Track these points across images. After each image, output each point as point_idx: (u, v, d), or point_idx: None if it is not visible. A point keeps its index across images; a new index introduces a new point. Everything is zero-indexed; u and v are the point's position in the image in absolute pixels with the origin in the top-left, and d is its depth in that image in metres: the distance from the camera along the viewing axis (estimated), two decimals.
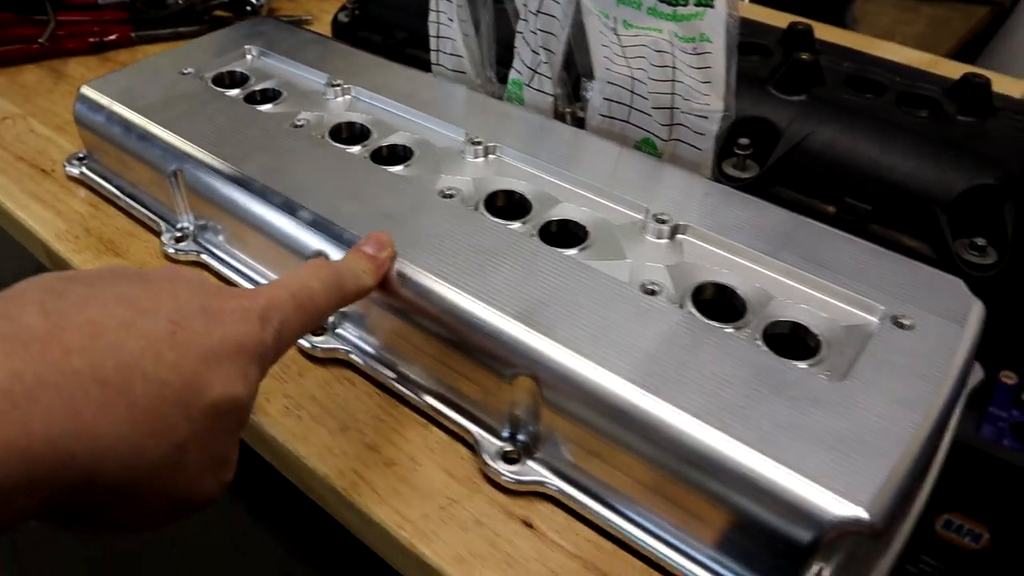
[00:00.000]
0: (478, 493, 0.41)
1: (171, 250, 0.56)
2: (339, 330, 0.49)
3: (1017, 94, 0.73)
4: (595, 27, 0.52)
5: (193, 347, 0.30)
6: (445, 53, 0.63)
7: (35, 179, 0.64)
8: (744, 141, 0.57)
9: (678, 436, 0.35)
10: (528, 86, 0.59)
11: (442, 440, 0.44)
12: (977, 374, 0.46)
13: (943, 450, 0.42)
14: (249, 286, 0.52)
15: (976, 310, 0.41)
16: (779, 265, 0.43)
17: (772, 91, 0.59)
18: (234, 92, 0.61)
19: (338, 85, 0.60)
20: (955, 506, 0.98)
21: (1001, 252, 0.51)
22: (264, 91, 0.61)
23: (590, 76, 0.56)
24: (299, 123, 0.56)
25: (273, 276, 0.52)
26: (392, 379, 0.46)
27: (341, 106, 0.59)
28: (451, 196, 0.48)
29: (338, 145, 0.54)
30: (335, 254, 0.46)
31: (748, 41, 0.65)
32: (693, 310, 0.41)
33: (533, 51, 0.57)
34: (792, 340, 0.41)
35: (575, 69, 0.57)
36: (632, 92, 0.54)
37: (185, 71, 0.62)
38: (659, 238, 0.46)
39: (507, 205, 0.49)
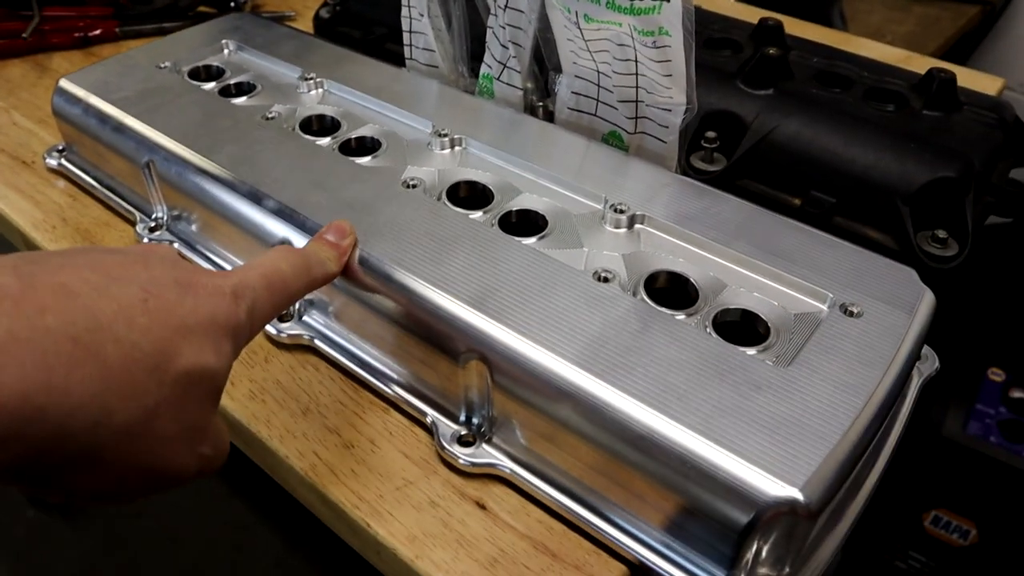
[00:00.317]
0: (434, 475, 0.42)
1: (145, 239, 0.57)
2: (305, 317, 0.50)
3: (994, 91, 0.74)
4: (559, 21, 0.52)
5: (165, 315, 0.30)
6: (418, 48, 0.63)
7: (15, 170, 0.65)
8: (711, 134, 0.57)
9: (620, 418, 0.36)
10: (498, 80, 0.60)
11: (401, 424, 0.45)
12: (932, 363, 0.46)
13: (895, 435, 0.43)
14: None
15: (926, 299, 0.42)
16: (734, 254, 0.44)
17: (740, 85, 0.59)
18: (209, 85, 0.62)
19: (311, 79, 0.60)
20: (943, 503, 0.99)
21: (962, 244, 0.52)
22: (239, 84, 0.62)
23: (559, 70, 0.57)
24: (271, 116, 0.57)
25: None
26: (354, 365, 0.47)
27: (313, 99, 0.60)
28: (414, 186, 0.49)
29: (308, 137, 0.55)
30: (299, 242, 0.47)
31: (720, 36, 0.66)
32: (645, 297, 0.42)
33: (502, 45, 0.58)
34: (742, 327, 0.41)
35: (546, 63, 0.58)
36: (598, 86, 0.55)
37: (162, 65, 0.63)
38: (617, 228, 0.47)
39: (469, 195, 0.50)
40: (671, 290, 0.43)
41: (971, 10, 1.33)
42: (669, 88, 0.51)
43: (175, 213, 0.57)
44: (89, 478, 0.29)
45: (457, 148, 0.53)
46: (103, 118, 0.58)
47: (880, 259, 0.44)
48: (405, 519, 0.40)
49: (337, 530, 0.43)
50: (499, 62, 0.59)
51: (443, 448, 0.42)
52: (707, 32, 0.67)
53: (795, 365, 0.38)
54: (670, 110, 0.52)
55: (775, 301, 0.42)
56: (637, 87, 0.53)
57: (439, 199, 0.49)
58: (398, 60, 0.66)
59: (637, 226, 0.47)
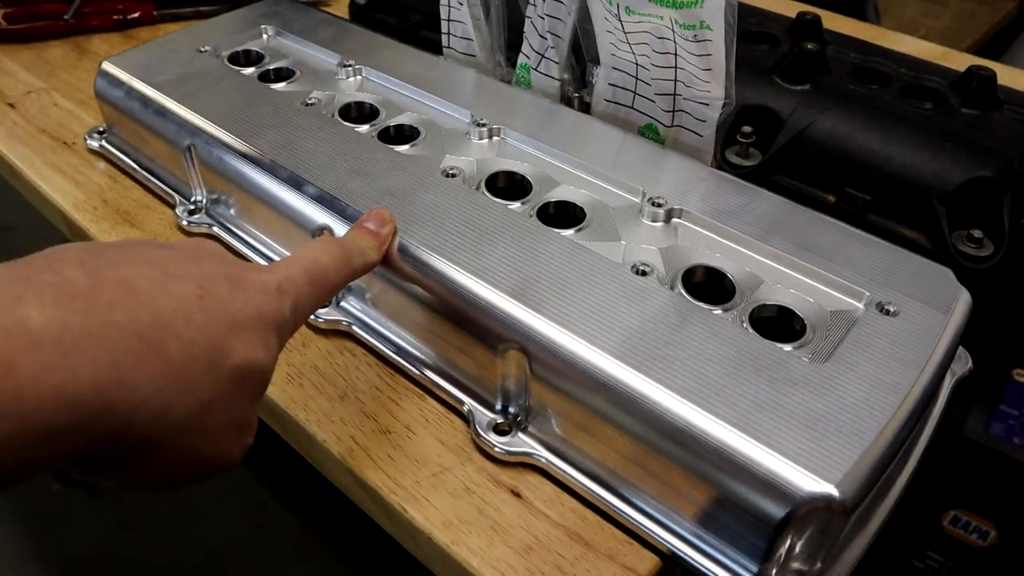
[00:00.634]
0: (469, 462, 0.43)
1: (184, 222, 0.57)
2: (343, 303, 0.50)
3: None
4: (600, 13, 0.52)
5: (219, 312, 0.31)
6: (456, 36, 0.64)
7: (57, 151, 0.66)
8: (747, 129, 0.57)
9: (659, 411, 0.36)
10: (535, 70, 0.60)
11: (437, 411, 0.45)
12: (965, 363, 0.47)
13: (926, 435, 0.43)
14: (259, 260, 0.54)
15: (963, 299, 0.42)
16: (770, 250, 0.44)
17: (777, 80, 0.59)
18: (249, 70, 0.62)
19: (350, 65, 0.61)
20: (963, 503, 0.98)
21: (998, 244, 0.51)
22: (278, 70, 0.62)
23: (596, 62, 0.57)
24: (310, 102, 0.57)
25: (281, 249, 0.54)
26: (391, 351, 0.47)
27: (352, 86, 0.60)
28: (454, 176, 0.50)
29: (347, 124, 0.55)
30: (339, 229, 0.47)
31: (757, 30, 0.66)
32: (682, 291, 0.42)
33: (541, 36, 0.58)
34: (778, 323, 0.42)
35: (584, 54, 0.58)
36: (636, 78, 0.55)
37: (202, 49, 0.64)
38: (654, 221, 0.47)
39: (508, 185, 0.50)
40: (708, 285, 0.44)
41: (1008, 5, 1.31)
42: (708, 82, 0.51)
43: (214, 197, 0.57)
44: (145, 467, 0.30)
45: (495, 138, 0.54)
46: (145, 101, 0.59)
47: (916, 258, 0.44)
48: (441, 505, 0.41)
49: (373, 514, 0.44)
50: (537, 52, 0.59)
51: (479, 436, 0.43)
52: (744, 26, 0.67)
53: (831, 362, 0.38)
54: (708, 104, 0.53)
55: (811, 298, 0.42)
56: (676, 80, 0.53)
57: (478, 189, 0.49)
58: (434, 48, 0.66)
59: (674, 220, 0.47)
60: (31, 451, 0.25)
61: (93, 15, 0.83)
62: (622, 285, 0.41)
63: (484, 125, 0.54)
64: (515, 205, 0.48)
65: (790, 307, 0.42)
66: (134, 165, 0.63)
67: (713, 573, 0.37)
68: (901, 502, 0.41)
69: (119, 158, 0.64)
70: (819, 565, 0.36)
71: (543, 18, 0.57)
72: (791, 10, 0.68)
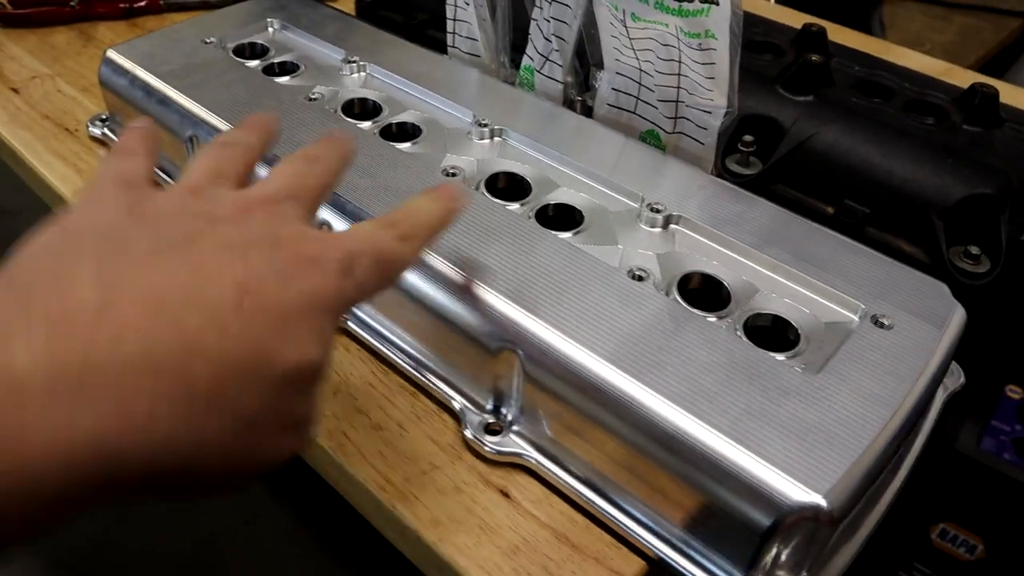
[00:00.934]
0: (459, 461, 0.43)
1: None
2: None
3: None
4: (605, 18, 0.53)
5: (263, 313, 0.26)
6: (461, 36, 0.64)
7: (59, 137, 0.66)
8: (748, 138, 0.58)
9: (649, 416, 0.36)
10: (539, 72, 0.60)
11: (429, 409, 0.45)
12: (957, 378, 0.47)
13: (917, 448, 0.43)
14: None
15: (957, 315, 0.42)
16: (767, 260, 0.44)
17: (780, 90, 0.59)
18: (253, 63, 0.62)
19: (354, 62, 0.61)
20: (952, 517, 0.99)
21: (994, 261, 0.52)
22: (282, 63, 0.62)
23: (600, 66, 0.57)
24: (313, 96, 0.57)
25: None
26: (385, 348, 0.47)
27: (356, 82, 0.60)
28: (454, 175, 0.50)
29: (349, 120, 0.56)
30: (338, 224, 0.47)
31: (762, 40, 0.66)
32: (678, 298, 0.42)
33: (546, 38, 0.58)
34: (772, 332, 0.42)
35: (588, 58, 0.58)
36: (639, 84, 0.55)
37: (207, 40, 0.64)
38: (652, 227, 0.47)
39: (507, 186, 0.50)
40: (703, 292, 0.44)
41: (1013, 23, 1.32)
42: (711, 90, 0.52)
43: None
44: (191, 488, 0.27)
45: (496, 139, 0.54)
46: (148, 90, 0.59)
47: (913, 272, 0.44)
48: (430, 503, 0.41)
49: (361, 509, 0.44)
50: (541, 55, 0.60)
51: (470, 435, 0.43)
52: (748, 35, 0.67)
53: (824, 373, 0.38)
54: (710, 112, 0.53)
55: (806, 308, 0.43)
56: (679, 87, 0.53)
57: (477, 189, 0.49)
58: (439, 47, 0.66)
59: (672, 226, 0.47)
60: (39, 511, 0.22)
61: (99, 2, 0.83)
62: (618, 289, 0.41)
63: (486, 125, 0.54)
64: (514, 206, 0.48)
65: (785, 317, 0.42)
66: None
67: None
68: (890, 514, 0.41)
69: None
70: (805, 574, 0.37)
71: (548, 21, 0.57)
72: (797, 21, 0.68)
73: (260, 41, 0.65)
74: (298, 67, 0.62)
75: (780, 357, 0.40)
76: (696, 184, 0.50)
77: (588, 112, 0.59)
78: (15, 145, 0.65)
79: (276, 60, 0.63)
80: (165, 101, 0.58)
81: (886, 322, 0.41)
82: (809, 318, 0.42)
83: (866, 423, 0.36)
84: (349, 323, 0.49)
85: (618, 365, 0.38)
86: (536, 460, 0.42)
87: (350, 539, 1.09)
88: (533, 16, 0.58)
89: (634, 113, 0.57)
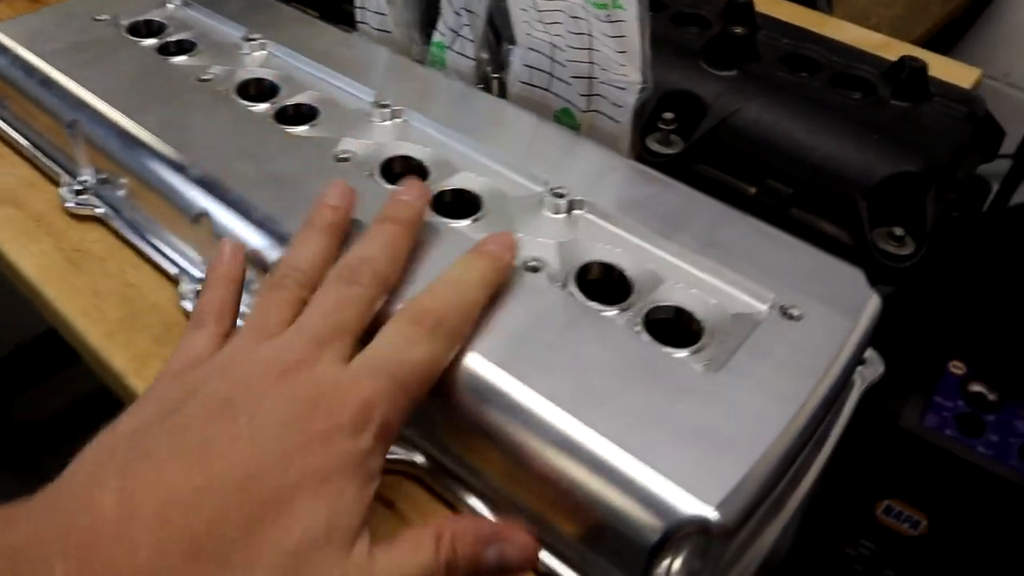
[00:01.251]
0: None
1: (70, 204, 0.54)
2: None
3: (969, 83, 0.71)
4: None
5: (264, 506, 0.28)
6: (369, 11, 0.60)
7: None
8: (668, 115, 0.55)
9: (532, 420, 0.33)
10: (450, 49, 0.57)
11: None
12: (876, 367, 0.44)
13: (830, 445, 0.41)
14: (151, 252, 0.50)
15: (871, 304, 0.40)
16: (675, 247, 0.42)
17: (703, 65, 0.57)
18: (149, 42, 0.58)
19: (254, 39, 0.57)
20: (896, 493, 0.98)
21: (919, 243, 0.49)
22: (179, 42, 0.58)
23: (513, 41, 0.54)
24: (206, 77, 0.54)
25: (172, 238, 0.50)
26: None
27: (256, 61, 0.57)
28: (346, 160, 0.46)
29: (243, 101, 0.52)
30: (221, 214, 0.44)
31: (689, 11, 0.63)
32: (575, 290, 0.39)
33: (455, 12, 0.55)
34: (675, 326, 0.39)
35: (501, 34, 0.55)
36: (552, 59, 0.52)
37: (99, 17, 0.60)
38: (556, 213, 0.44)
39: (404, 171, 0.47)
40: (604, 283, 0.41)
41: None
42: (624, 65, 0.49)
43: (103, 177, 0.54)
44: None
45: (398, 120, 0.51)
46: (30, 71, 0.55)
47: (828, 258, 0.42)
48: None
49: None
50: (452, 30, 0.56)
51: None
52: (676, 6, 0.64)
53: (726, 370, 0.36)
54: (624, 88, 0.50)
55: (713, 299, 0.40)
56: (591, 63, 0.50)
57: (371, 175, 0.46)
58: (354, 23, 0.62)
59: (576, 212, 0.44)
60: None
61: None
62: (509, 282, 0.38)
63: (387, 107, 0.50)
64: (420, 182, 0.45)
65: (688, 309, 0.39)
66: (22, 140, 0.59)
67: None
68: (800, 519, 0.39)
69: (6, 132, 0.60)
70: None
71: None
72: None
73: (157, 18, 0.61)
74: (195, 45, 0.58)
75: (680, 354, 0.37)
76: (606, 166, 0.47)
77: (505, 90, 0.56)
78: None
79: (172, 38, 0.59)
80: (46, 83, 0.54)
81: (795, 313, 0.38)
82: (715, 309, 0.39)
83: (765, 425, 0.33)
84: None
85: (501, 365, 0.35)
86: (421, 463, 0.39)
87: None
88: None
89: (548, 91, 0.54)
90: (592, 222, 0.44)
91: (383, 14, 0.59)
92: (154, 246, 0.50)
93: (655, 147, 0.55)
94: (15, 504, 0.28)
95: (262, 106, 0.52)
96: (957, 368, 1.03)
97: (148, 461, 0.29)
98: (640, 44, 0.47)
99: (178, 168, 0.46)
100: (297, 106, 0.52)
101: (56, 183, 0.56)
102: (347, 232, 0.40)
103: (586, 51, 0.50)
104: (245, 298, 0.39)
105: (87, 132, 0.51)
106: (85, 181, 0.54)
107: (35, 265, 0.50)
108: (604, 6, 0.46)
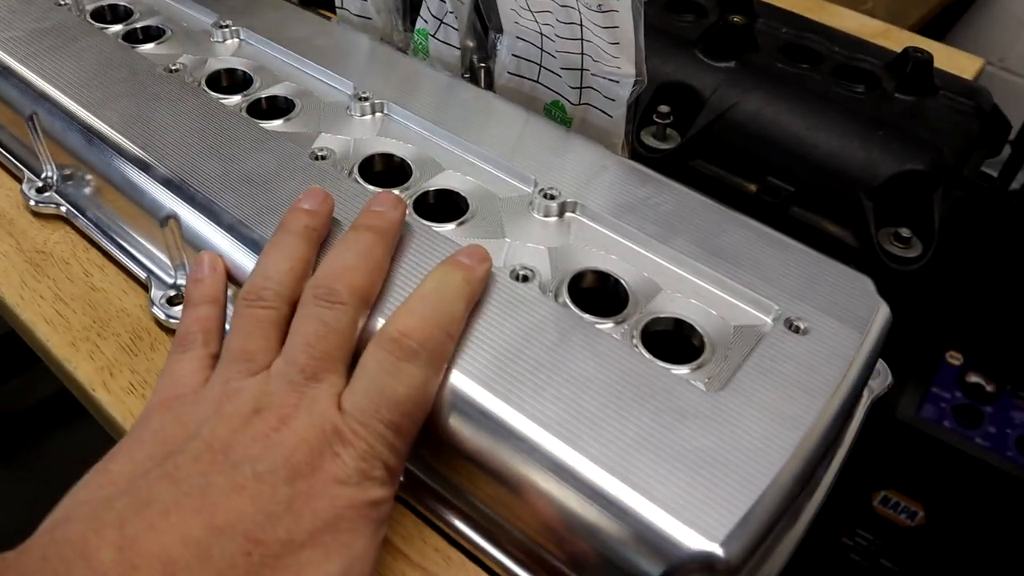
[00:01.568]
0: None
1: (32, 202, 0.51)
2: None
3: (972, 72, 0.69)
4: None
5: (273, 559, 0.27)
6: None
7: None
8: (664, 109, 0.52)
9: (521, 447, 0.31)
10: (434, 37, 0.54)
11: None
12: (885, 378, 0.42)
13: (838, 462, 0.39)
14: (118, 254, 0.47)
15: (880, 315, 0.37)
16: (673, 253, 0.39)
17: (699, 55, 0.54)
18: (115, 28, 0.55)
19: (226, 26, 0.54)
20: (893, 484, 0.97)
21: (926, 244, 0.47)
22: (146, 28, 0.55)
23: (500, 30, 0.51)
24: (175, 67, 0.51)
25: (139, 239, 0.47)
26: None
27: (227, 50, 0.54)
28: (323, 158, 0.44)
29: (214, 94, 0.49)
30: (188, 216, 0.41)
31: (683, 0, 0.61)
32: (567, 301, 0.37)
33: None
34: (674, 339, 0.37)
35: (488, 22, 0.52)
36: (541, 49, 0.49)
37: (62, 2, 0.56)
38: (547, 216, 0.42)
39: (385, 170, 0.44)
40: (598, 292, 0.39)
41: None
42: (616, 57, 0.46)
43: (65, 173, 0.51)
44: None
45: (378, 114, 0.48)
46: None
47: (834, 265, 0.40)
48: None
49: None
50: (435, 17, 0.53)
51: None
52: None
53: (728, 390, 0.33)
54: (617, 81, 0.47)
55: (714, 310, 0.38)
56: (582, 54, 0.47)
57: (350, 174, 0.43)
58: (333, 7, 0.59)
59: (568, 215, 0.42)
60: None
61: None
62: (497, 294, 0.36)
63: (366, 99, 0.48)
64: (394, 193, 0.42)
65: (688, 320, 0.37)
66: None
67: None
68: (808, 532, 0.37)
69: None
70: None
71: None
72: None
73: (123, 3, 0.58)
74: (164, 32, 0.55)
75: (680, 371, 0.35)
76: (599, 165, 0.44)
77: (492, 80, 0.53)
78: None
79: (139, 24, 0.56)
80: (3, 74, 0.51)
81: (801, 326, 0.36)
82: (716, 321, 0.37)
83: (772, 450, 0.31)
84: None
85: (487, 386, 0.32)
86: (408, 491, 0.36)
87: None
88: None
89: (537, 82, 0.51)
90: (585, 225, 0.41)
91: (364, 0, 0.56)
92: (122, 247, 0.47)
93: (650, 142, 0.53)
94: (4, 556, 0.27)
95: (234, 98, 0.49)
96: (955, 358, 1.01)
97: (148, 510, 0.27)
98: (634, 35, 0.44)
99: (143, 166, 0.43)
100: (272, 99, 0.49)
101: (16, 179, 0.53)
102: (324, 237, 0.38)
103: (577, 42, 0.47)
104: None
105: (47, 126, 0.48)
106: (47, 178, 0.51)
107: None
108: None
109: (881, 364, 0.42)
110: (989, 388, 0.92)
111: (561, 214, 0.42)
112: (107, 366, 0.42)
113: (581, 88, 0.49)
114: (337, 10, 0.59)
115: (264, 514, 0.28)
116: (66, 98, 0.48)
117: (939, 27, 1.17)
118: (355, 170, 0.43)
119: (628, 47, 0.45)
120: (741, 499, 0.29)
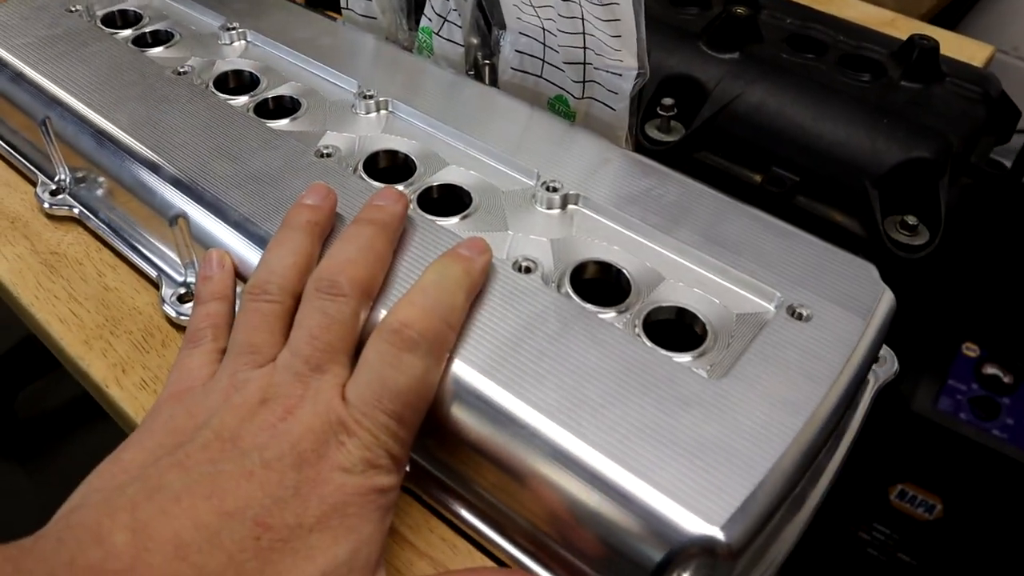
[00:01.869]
0: None
1: (46, 204, 0.51)
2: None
3: (981, 59, 0.68)
4: None
5: (281, 543, 0.28)
6: None
7: None
8: (668, 101, 0.52)
9: (525, 434, 0.31)
10: (438, 35, 0.54)
11: None
12: (891, 365, 0.42)
13: (843, 450, 0.39)
14: (130, 253, 0.48)
15: (884, 301, 0.37)
16: (675, 243, 0.39)
17: (703, 47, 0.54)
18: (125, 33, 0.56)
19: (233, 28, 0.55)
20: (910, 477, 0.96)
21: (933, 232, 0.47)
22: (155, 33, 0.56)
23: (503, 26, 0.51)
24: (183, 70, 0.51)
25: (151, 239, 0.48)
26: None
27: (235, 52, 0.54)
28: (329, 155, 0.44)
29: (221, 95, 0.50)
30: (198, 215, 0.42)
31: None
32: (570, 291, 0.37)
33: None
34: (677, 328, 0.37)
35: (491, 19, 0.53)
36: (544, 44, 0.49)
37: (73, 8, 0.57)
38: (549, 208, 0.42)
39: (389, 166, 0.45)
40: (601, 282, 0.39)
41: None
42: (619, 50, 0.46)
43: (78, 176, 0.51)
44: None
45: (383, 112, 0.48)
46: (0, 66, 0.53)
47: (838, 252, 0.40)
48: None
49: None
50: (439, 15, 0.54)
51: None
52: None
53: (731, 377, 0.33)
54: (620, 75, 0.47)
55: (716, 299, 0.38)
56: (585, 48, 0.48)
57: (355, 171, 0.44)
58: (338, 8, 0.60)
59: (571, 207, 0.42)
60: None
61: None
62: (499, 285, 0.36)
63: (371, 97, 0.48)
64: (397, 188, 0.43)
65: (691, 309, 0.37)
66: None
67: None
68: (817, 515, 0.37)
69: None
70: None
71: None
72: None
73: (132, 8, 0.58)
74: (172, 36, 0.56)
75: (683, 358, 0.35)
76: (602, 158, 0.45)
77: (496, 77, 0.54)
78: None
79: (148, 29, 0.56)
80: (17, 78, 0.52)
81: (804, 313, 0.36)
82: (719, 309, 0.37)
83: (774, 436, 0.31)
84: None
85: (490, 375, 0.33)
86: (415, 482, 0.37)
87: None
88: None
89: (540, 77, 0.51)
90: (588, 217, 0.42)
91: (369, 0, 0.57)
92: (133, 247, 0.48)
93: (654, 135, 0.53)
94: (20, 542, 0.27)
95: (241, 99, 0.50)
96: (971, 350, 1.00)
97: (160, 496, 0.28)
98: (635, 28, 0.45)
99: (153, 167, 0.44)
100: (278, 99, 0.50)
101: (31, 182, 0.54)
102: (327, 232, 0.38)
103: (579, 36, 0.47)
104: None
105: (60, 130, 0.49)
106: (61, 180, 0.52)
107: (9, 269, 0.48)
108: None
109: (887, 351, 0.42)
110: (1006, 379, 0.91)
111: (564, 206, 0.42)
112: (120, 363, 0.43)
113: (584, 82, 0.49)
114: (342, 10, 0.59)
115: (272, 499, 0.28)
116: (78, 102, 0.48)
117: (952, 16, 1.16)
118: (360, 167, 0.44)
119: (630, 40, 0.45)
120: (742, 484, 0.30)
